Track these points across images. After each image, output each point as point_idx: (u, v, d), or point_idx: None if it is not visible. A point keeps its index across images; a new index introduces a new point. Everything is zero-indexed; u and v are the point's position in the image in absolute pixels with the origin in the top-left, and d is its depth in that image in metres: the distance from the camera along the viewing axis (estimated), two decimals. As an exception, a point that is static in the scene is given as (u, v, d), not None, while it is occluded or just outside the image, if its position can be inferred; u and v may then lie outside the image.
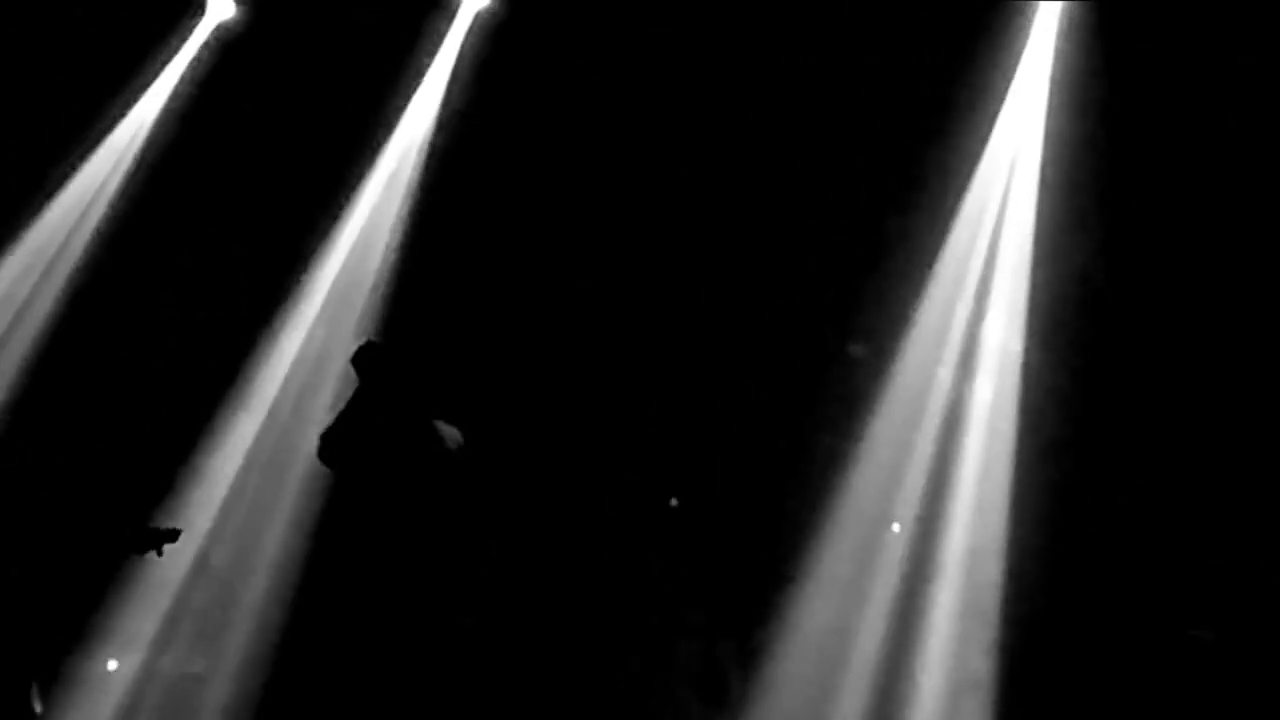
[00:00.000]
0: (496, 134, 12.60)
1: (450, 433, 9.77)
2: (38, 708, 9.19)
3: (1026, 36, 11.97)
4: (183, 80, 12.84)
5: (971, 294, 11.96)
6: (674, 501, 11.89)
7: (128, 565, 9.98)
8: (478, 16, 12.76)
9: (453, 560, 9.79)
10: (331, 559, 10.27)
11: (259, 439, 12.38)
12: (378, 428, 9.69)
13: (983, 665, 11.25)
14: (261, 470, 12.31)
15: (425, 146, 12.76)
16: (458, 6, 12.82)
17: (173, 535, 9.50)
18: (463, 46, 12.76)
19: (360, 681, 9.62)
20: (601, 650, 11.72)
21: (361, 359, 9.38)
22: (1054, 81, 11.85)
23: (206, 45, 12.86)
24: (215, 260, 12.61)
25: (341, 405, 9.58)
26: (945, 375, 11.89)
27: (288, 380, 12.45)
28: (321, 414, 10.56)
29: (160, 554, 9.49)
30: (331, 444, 9.58)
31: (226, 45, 12.87)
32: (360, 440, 9.64)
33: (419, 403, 9.68)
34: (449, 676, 10.26)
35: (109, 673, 11.77)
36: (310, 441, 9.84)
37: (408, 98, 12.79)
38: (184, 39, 12.82)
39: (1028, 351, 11.63)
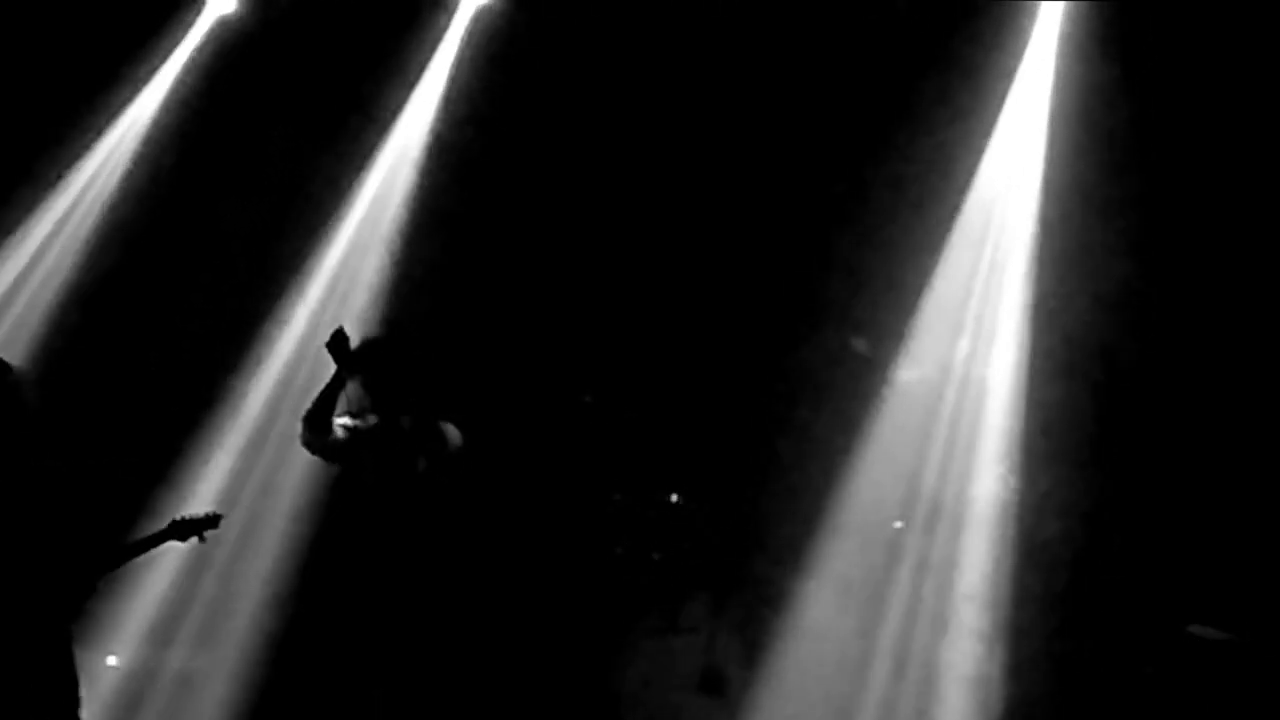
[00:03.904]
0: (496, 130, 12.58)
1: (450, 431, 9.78)
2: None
3: (1028, 36, 11.93)
4: (182, 75, 12.83)
5: (977, 287, 11.94)
6: (674, 498, 11.85)
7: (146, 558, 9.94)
8: (478, 11, 12.74)
9: (449, 558, 9.79)
10: (329, 555, 10.25)
11: (257, 434, 12.40)
12: (375, 424, 9.72)
13: (988, 662, 11.22)
14: (261, 466, 12.32)
15: (425, 142, 12.75)
16: (458, 1, 12.81)
17: (214, 521, 9.53)
18: (463, 41, 12.74)
19: (357, 679, 9.62)
20: (601, 648, 11.70)
21: (333, 345, 9.55)
22: (1057, 80, 11.81)
23: (206, 40, 12.85)
24: (212, 256, 12.62)
25: (319, 391, 9.67)
26: (951, 369, 11.88)
27: (286, 377, 12.45)
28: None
29: (203, 540, 9.53)
30: (311, 427, 9.66)
31: (226, 40, 12.86)
32: (348, 431, 9.69)
33: (418, 400, 9.71)
34: (446, 675, 10.26)
35: (109, 668, 11.80)
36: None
37: (407, 93, 12.78)
38: (183, 33, 12.81)
39: (1034, 346, 11.61)
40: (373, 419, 9.77)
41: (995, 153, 11.92)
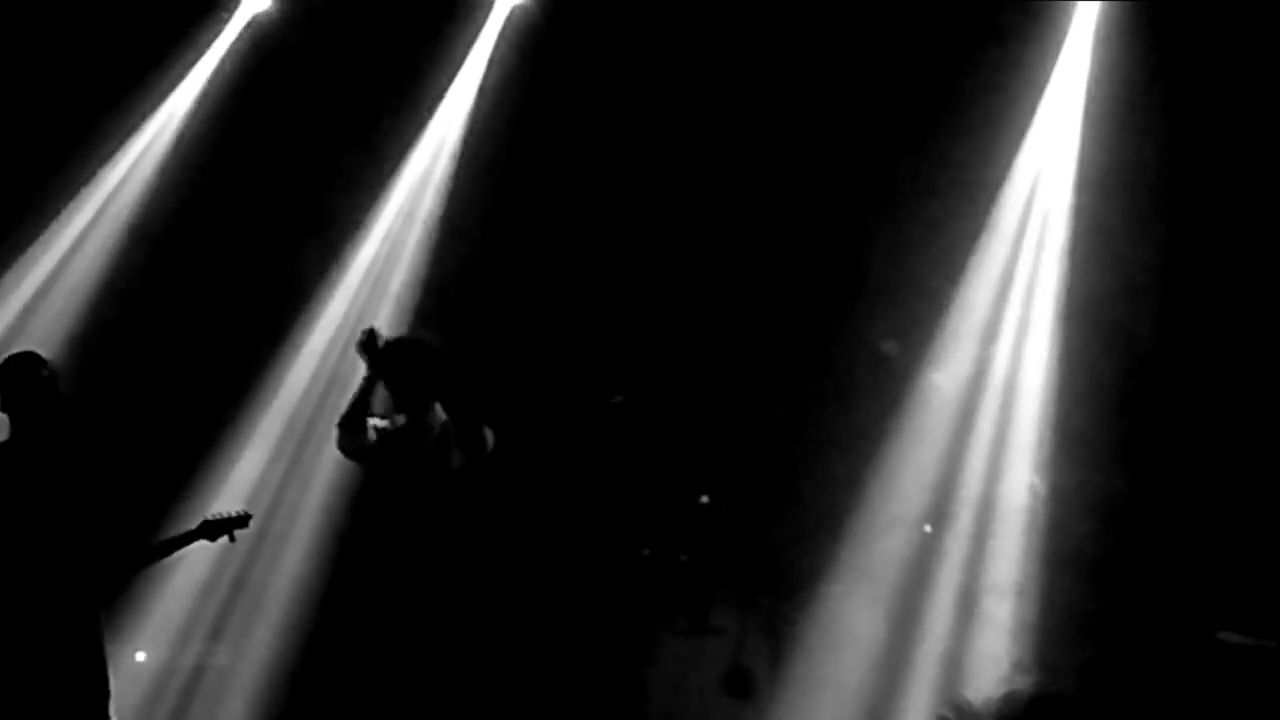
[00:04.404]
0: (529, 130, 12.57)
1: (481, 431, 9.79)
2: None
3: (1063, 33, 11.91)
4: (215, 73, 12.83)
5: (1009, 287, 11.93)
6: (704, 499, 11.84)
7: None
8: (513, 10, 12.74)
9: (477, 558, 9.79)
10: (359, 554, 10.25)
11: (285, 432, 12.41)
12: (405, 424, 9.73)
13: (1016, 663, 11.21)
14: (293, 463, 12.34)
15: (458, 142, 12.75)
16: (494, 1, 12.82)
17: (245, 520, 9.53)
18: (497, 40, 12.74)
19: (385, 677, 9.63)
20: (628, 649, 11.68)
21: (364, 346, 9.57)
22: (1092, 76, 11.79)
23: (240, 38, 12.86)
24: (245, 254, 12.63)
25: (352, 394, 9.68)
26: (981, 370, 11.87)
27: (318, 375, 12.46)
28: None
29: (233, 539, 9.53)
30: (346, 430, 9.67)
31: (260, 38, 12.86)
32: (380, 433, 9.70)
33: (448, 400, 9.71)
34: (473, 675, 10.26)
35: (139, 663, 11.82)
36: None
37: (441, 92, 12.78)
38: (217, 32, 12.83)
39: (1067, 348, 11.59)
40: (402, 419, 9.78)
41: (1029, 152, 11.91)
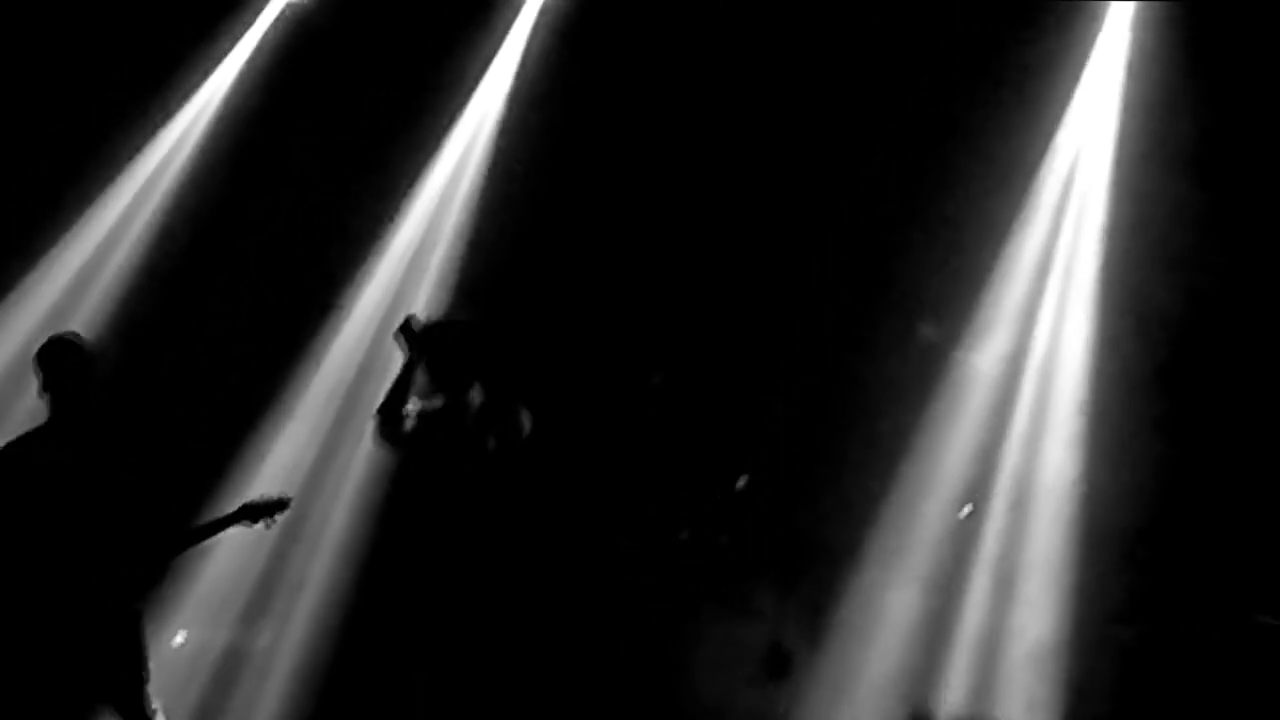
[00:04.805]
0: (568, 114, 12.57)
1: (520, 412, 9.79)
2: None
3: (1104, 12, 11.88)
4: (252, 57, 12.86)
5: (1048, 269, 11.90)
6: (742, 481, 11.83)
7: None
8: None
9: (515, 540, 9.79)
10: (396, 536, 10.26)
11: (322, 415, 12.44)
12: (442, 405, 9.74)
13: (1054, 645, 11.20)
14: (324, 445, 12.36)
15: (496, 124, 12.75)
16: (531, -12, 12.83)
17: (284, 504, 9.54)
18: (535, 22, 12.74)
19: (421, 658, 9.64)
20: (668, 632, 11.68)
21: (404, 333, 9.57)
22: (1132, 58, 11.75)
23: (276, 23, 12.88)
24: (282, 239, 12.65)
25: (391, 382, 9.69)
26: (1021, 351, 11.84)
27: (355, 359, 12.48)
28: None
29: (273, 523, 9.54)
30: (385, 418, 9.67)
31: (296, 23, 12.88)
32: (417, 417, 9.70)
33: (486, 381, 9.72)
34: (511, 658, 10.26)
35: (176, 646, 11.86)
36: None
37: (479, 75, 12.78)
38: (254, 17, 12.85)
39: (1106, 327, 11.55)
40: (439, 401, 9.79)
41: (1068, 131, 11.88)
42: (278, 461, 12.22)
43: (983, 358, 11.85)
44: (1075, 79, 11.89)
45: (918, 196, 11.93)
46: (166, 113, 12.80)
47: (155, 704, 9.32)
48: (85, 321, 12.04)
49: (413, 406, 9.76)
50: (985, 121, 11.76)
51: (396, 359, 9.78)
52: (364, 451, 11.93)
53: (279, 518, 9.57)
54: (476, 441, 9.67)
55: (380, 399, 9.80)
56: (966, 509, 11.62)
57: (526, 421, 9.78)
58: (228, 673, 12.00)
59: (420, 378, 9.76)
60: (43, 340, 9.45)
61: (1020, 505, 11.54)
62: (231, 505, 9.66)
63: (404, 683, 9.69)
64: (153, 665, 9.37)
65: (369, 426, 9.95)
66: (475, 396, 9.76)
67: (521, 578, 10.06)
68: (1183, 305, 11.32)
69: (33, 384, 9.21)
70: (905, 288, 11.92)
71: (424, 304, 12.16)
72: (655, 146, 12.40)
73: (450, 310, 11.92)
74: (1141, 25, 11.74)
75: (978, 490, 11.65)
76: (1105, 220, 11.65)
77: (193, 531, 9.56)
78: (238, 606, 12.17)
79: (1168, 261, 11.33)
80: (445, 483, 9.70)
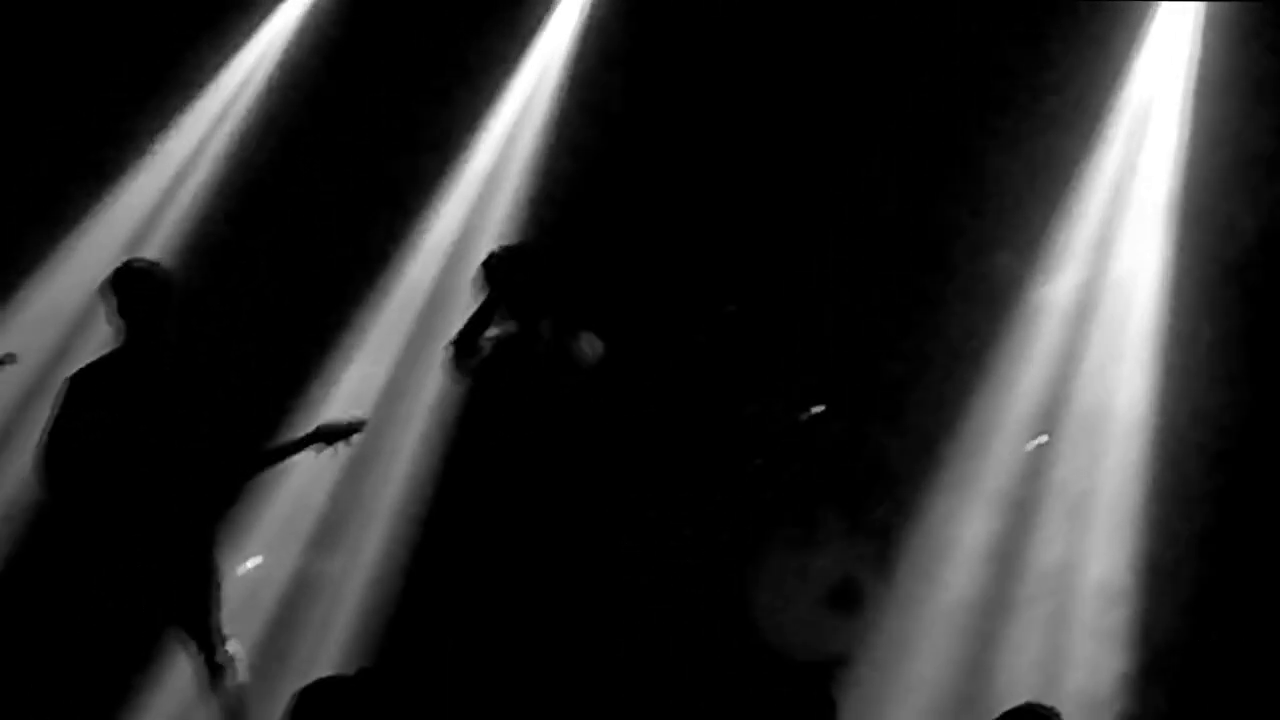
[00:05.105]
0: (635, 65, 12.54)
1: (591, 340, 9.80)
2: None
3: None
4: (282, 49, 12.81)
5: (1123, 197, 11.83)
6: (815, 410, 11.80)
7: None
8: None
9: (585, 469, 9.82)
10: (466, 463, 10.28)
11: (394, 343, 12.45)
12: (516, 332, 9.76)
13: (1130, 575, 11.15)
14: (395, 373, 12.37)
15: (568, 55, 12.73)
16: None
17: (358, 427, 9.57)
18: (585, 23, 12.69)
19: (489, 591, 9.68)
20: (736, 563, 11.67)
21: (487, 269, 9.57)
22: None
23: (302, 18, 12.84)
24: (355, 171, 12.66)
25: (470, 315, 9.70)
26: (1095, 281, 11.78)
27: (426, 286, 12.49)
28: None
29: (348, 445, 9.57)
30: (460, 350, 9.70)
31: (320, 18, 12.85)
32: (489, 347, 9.74)
33: (559, 309, 9.74)
34: (581, 589, 10.29)
35: (248, 570, 11.92)
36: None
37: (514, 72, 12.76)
38: (276, 5, 12.83)
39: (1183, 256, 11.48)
40: (513, 327, 9.81)
41: (1143, 61, 11.79)
42: (349, 388, 12.23)
43: (1057, 288, 11.79)
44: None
45: (993, 126, 11.84)
46: (231, 50, 12.77)
47: (225, 628, 9.40)
48: (160, 248, 12.09)
49: (489, 333, 9.80)
50: (1064, 53, 11.70)
51: (469, 290, 9.80)
52: (436, 380, 11.95)
53: (353, 441, 9.61)
54: (549, 368, 9.70)
55: (456, 330, 9.82)
56: (1040, 438, 11.58)
57: (597, 349, 9.80)
58: (297, 599, 12.06)
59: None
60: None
61: (1094, 434, 11.48)
62: (305, 429, 9.72)
63: (471, 616, 9.75)
64: (224, 590, 9.44)
65: (442, 356, 9.98)
66: (546, 327, 9.79)
67: (590, 507, 10.09)
68: (1266, 221, 11.24)
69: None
70: (983, 219, 11.85)
71: (497, 230, 12.15)
72: (731, 74, 12.35)
73: (522, 241, 11.90)
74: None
75: (1051, 420, 11.59)
76: (1180, 142, 11.56)
77: (266, 454, 9.62)
78: (309, 532, 12.20)
79: (1246, 182, 11.25)
80: (514, 411, 9.74)
